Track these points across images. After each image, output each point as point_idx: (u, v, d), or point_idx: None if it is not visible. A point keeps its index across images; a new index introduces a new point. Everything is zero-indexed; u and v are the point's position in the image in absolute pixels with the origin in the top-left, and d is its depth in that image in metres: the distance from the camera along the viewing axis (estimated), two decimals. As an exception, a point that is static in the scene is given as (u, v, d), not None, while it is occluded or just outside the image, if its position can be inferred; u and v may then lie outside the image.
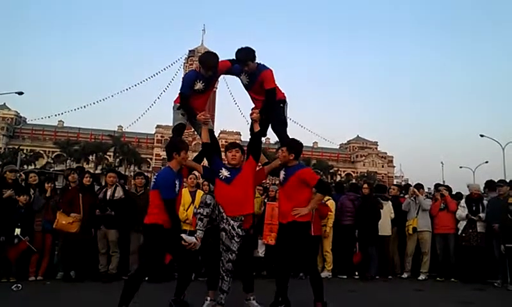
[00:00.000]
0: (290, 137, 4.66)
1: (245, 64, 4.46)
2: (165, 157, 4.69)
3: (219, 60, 4.51)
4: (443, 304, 5.78)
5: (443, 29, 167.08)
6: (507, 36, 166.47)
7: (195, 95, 4.57)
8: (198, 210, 4.27)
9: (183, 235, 4.05)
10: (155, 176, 4.42)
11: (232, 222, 4.22)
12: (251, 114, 4.58)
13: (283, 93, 4.71)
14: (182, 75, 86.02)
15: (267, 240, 6.67)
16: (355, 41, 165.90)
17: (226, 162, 4.53)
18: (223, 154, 4.86)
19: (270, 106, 4.55)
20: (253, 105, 4.78)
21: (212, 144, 4.65)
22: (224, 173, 4.38)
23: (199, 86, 4.52)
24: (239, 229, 4.23)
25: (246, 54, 4.46)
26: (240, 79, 4.71)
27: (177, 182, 4.19)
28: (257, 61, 4.54)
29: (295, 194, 4.35)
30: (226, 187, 4.33)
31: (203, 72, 4.47)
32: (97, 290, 5.95)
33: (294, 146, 4.48)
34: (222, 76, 5.01)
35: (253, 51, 4.49)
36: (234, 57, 4.56)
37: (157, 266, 4.20)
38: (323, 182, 4.64)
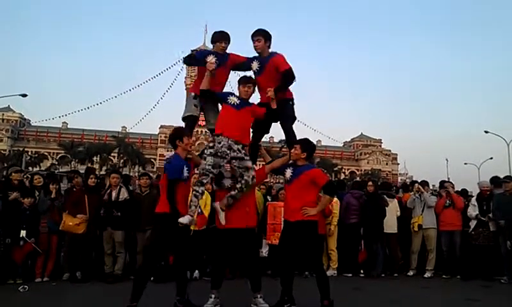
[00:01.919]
0: (296, 135, 4.68)
1: (257, 38, 4.57)
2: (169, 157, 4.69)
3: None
4: (449, 301, 5.76)
5: (446, 25, 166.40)
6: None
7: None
8: (194, 187, 4.32)
9: (179, 219, 4.05)
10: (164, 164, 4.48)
11: (235, 146, 4.31)
12: (267, 92, 4.50)
13: (291, 92, 4.73)
14: (185, 75, 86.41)
15: (270, 240, 6.67)
16: (358, 38, 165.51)
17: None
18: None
19: (282, 90, 4.56)
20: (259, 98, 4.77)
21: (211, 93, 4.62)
22: (235, 99, 4.47)
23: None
24: (242, 149, 4.36)
25: (262, 30, 4.62)
26: (251, 67, 4.70)
27: (186, 170, 4.23)
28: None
29: (303, 194, 4.36)
30: (234, 112, 4.41)
31: (218, 50, 4.58)
32: (103, 290, 5.97)
33: (308, 146, 4.51)
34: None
35: (270, 33, 4.63)
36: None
37: (162, 263, 4.21)
38: (332, 183, 4.64)
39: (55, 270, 6.67)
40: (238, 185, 4.33)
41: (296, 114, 4.78)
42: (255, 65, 4.67)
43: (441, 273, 7.46)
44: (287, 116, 4.68)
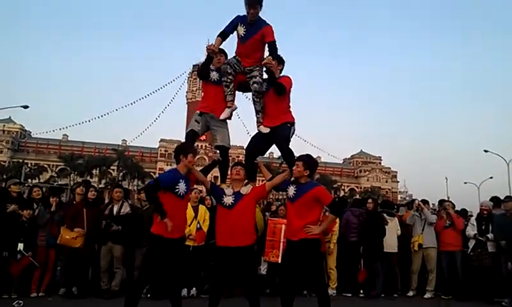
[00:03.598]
0: (293, 151, 4.64)
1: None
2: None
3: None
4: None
5: (447, 38, 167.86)
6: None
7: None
8: (222, 78, 4.52)
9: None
10: None
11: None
12: (264, 62, 4.35)
13: (293, 117, 4.65)
14: (186, 90, 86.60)
15: (268, 257, 6.57)
16: (358, 53, 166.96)
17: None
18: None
19: (275, 83, 4.47)
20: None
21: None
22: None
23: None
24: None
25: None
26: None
27: (184, 184, 4.17)
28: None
29: (307, 212, 4.28)
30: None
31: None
32: (99, 306, 5.88)
33: (311, 163, 4.42)
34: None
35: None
36: None
37: (157, 281, 4.15)
38: (337, 202, 4.55)
39: (51, 284, 6.57)
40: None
41: (296, 131, 4.74)
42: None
43: (441, 294, 7.38)
44: (282, 136, 4.56)
